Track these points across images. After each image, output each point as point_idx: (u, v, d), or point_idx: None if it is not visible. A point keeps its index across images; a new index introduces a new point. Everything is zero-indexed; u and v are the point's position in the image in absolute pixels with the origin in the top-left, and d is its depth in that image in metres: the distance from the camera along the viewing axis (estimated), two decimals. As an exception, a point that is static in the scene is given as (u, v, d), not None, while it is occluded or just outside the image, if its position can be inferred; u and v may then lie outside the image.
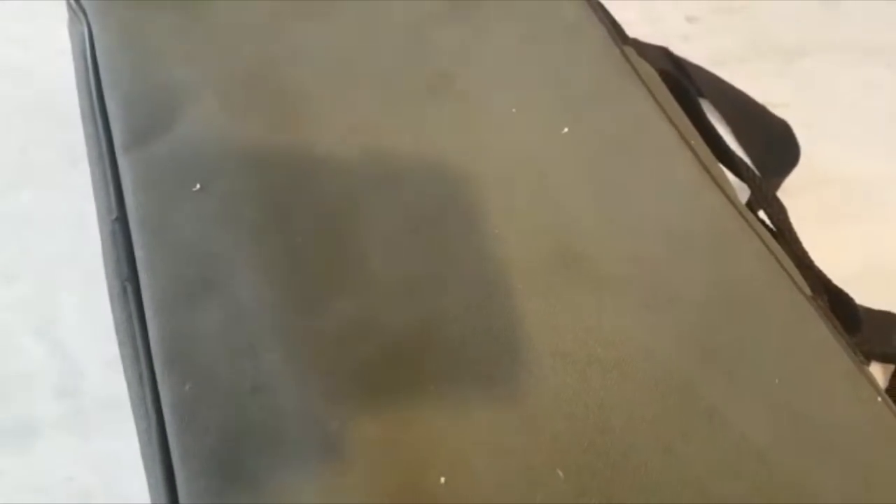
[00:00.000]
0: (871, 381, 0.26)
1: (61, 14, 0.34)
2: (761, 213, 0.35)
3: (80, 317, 0.34)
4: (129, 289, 0.24)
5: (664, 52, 0.48)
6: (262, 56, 0.31)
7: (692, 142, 0.32)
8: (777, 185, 0.41)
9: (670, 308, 0.26)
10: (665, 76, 0.36)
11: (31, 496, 0.30)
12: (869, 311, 0.35)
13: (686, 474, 0.23)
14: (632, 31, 0.49)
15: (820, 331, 0.26)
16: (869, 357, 0.34)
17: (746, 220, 0.29)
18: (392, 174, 0.29)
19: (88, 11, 0.32)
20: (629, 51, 0.36)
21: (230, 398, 0.22)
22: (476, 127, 0.31)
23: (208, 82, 0.30)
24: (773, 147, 0.43)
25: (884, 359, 0.35)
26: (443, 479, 0.22)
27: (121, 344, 0.24)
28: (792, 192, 0.41)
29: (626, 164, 0.30)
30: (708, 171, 0.31)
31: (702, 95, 0.46)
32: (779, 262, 0.28)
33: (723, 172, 0.33)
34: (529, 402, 0.23)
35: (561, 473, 0.22)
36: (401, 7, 0.35)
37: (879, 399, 0.25)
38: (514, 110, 0.32)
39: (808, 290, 0.28)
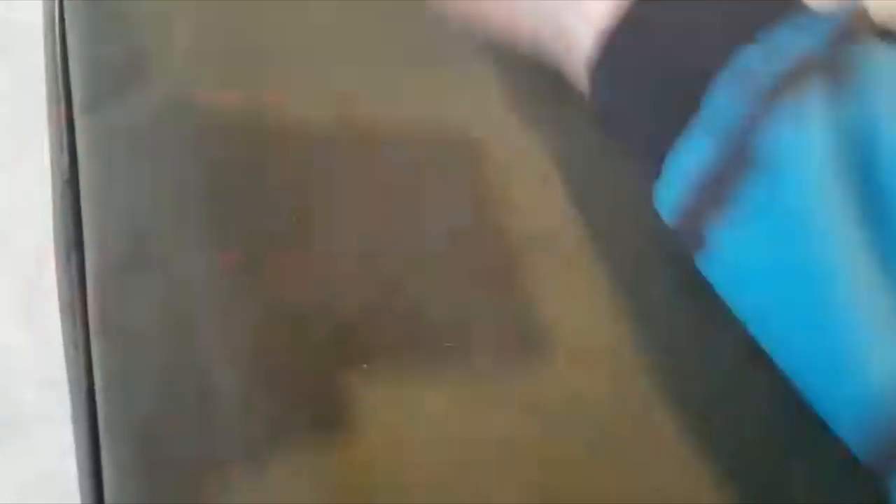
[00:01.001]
0: None
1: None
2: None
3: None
4: (74, 255, 0.24)
5: None
6: (232, 22, 0.30)
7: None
8: None
9: None
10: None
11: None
12: None
13: None
14: None
15: None
16: None
17: None
18: (364, 148, 0.28)
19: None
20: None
21: (161, 372, 0.21)
22: (452, 100, 0.30)
23: (175, 48, 0.29)
24: None
25: None
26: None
27: (61, 309, 0.24)
28: None
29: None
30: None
31: None
32: None
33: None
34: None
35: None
36: None
37: None
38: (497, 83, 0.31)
39: None
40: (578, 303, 0.25)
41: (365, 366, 0.23)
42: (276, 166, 0.26)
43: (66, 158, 0.26)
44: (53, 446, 0.29)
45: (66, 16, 0.29)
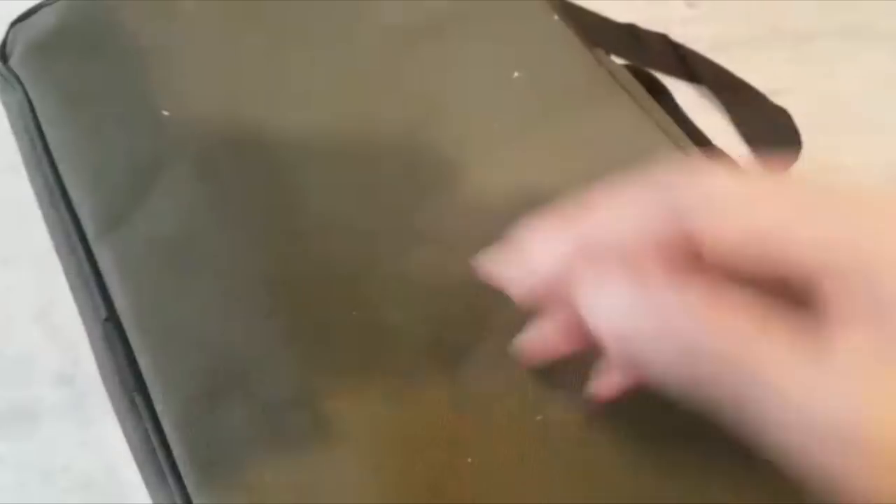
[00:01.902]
0: None
1: None
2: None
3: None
4: (140, 401, 0.22)
5: (663, 39, 0.47)
6: (230, 103, 0.29)
7: (681, 143, 0.32)
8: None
9: None
10: (635, 73, 0.35)
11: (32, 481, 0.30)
12: None
13: None
14: (630, 15, 0.48)
15: None
16: None
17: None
18: (388, 213, 0.27)
19: (21, 76, 0.28)
20: (599, 53, 0.35)
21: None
22: (461, 145, 0.29)
23: (174, 145, 0.27)
24: (772, 136, 0.43)
25: None
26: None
27: (140, 464, 0.22)
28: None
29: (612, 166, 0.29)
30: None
31: (700, 82, 0.46)
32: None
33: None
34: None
35: None
36: (374, 29, 0.33)
37: None
38: (495, 125, 0.30)
39: None
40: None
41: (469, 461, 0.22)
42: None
43: (97, 294, 0.24)
44: (71, 440, 0.30)
45: (50, 143, 0.26)
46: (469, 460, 0.21)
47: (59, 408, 0.32)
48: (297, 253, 0.25)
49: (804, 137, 0.45)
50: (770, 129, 0.45)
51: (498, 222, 0.27)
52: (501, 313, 0.24)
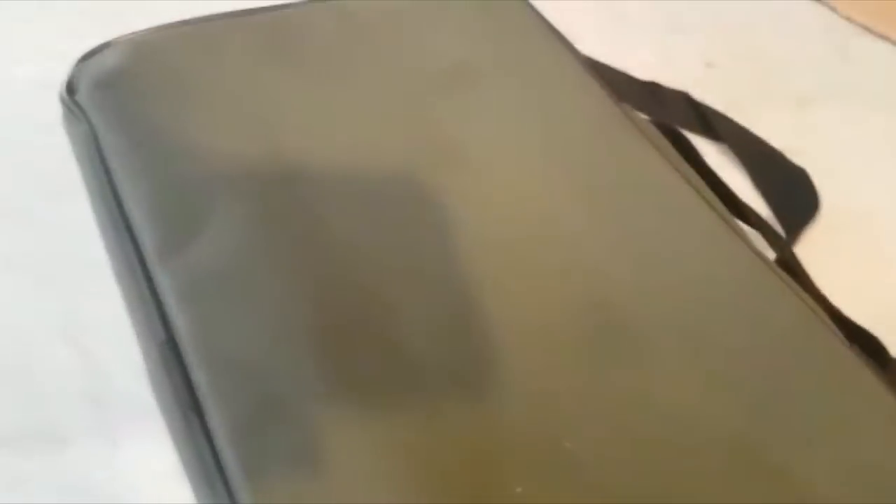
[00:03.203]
0: None
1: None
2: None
3: (108, 323, 0.32)
4: (193, 418, 0.23)
5: (684, 97, 0.49)
6: (272, 139, 0.30)
7: (704, 193, 0.33)
8: (798, 233, 0.42)
9: (716, 368, 0.27)
10: (662, 129, 0.37)
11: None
12: None
13: None
14: (650, 74, 0.50)
15: (865, 377, 0.27)
16: None
17: (770, 268, 0.30)
18: (418, 252, 0.28)
19: (87, 110, 0.30)
20: (626, 108, 0.36)
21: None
22: (489, 196, 0.31)
23: (226, 180, 0.29)
24: (792, 195, 0.44)
25: None
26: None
27: (191, 476, 0.23)
28: (811, 238, 0.43)
29: (648, 222, 0.31)
30: (727, 222, 0.32)
31: (721, 140, 0.47)
32: (814, 312, 0.29)
33: (737, 222, 0.34)
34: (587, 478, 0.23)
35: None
36: (402, 74, 0.35)
37: None
38: (528, 176, 0.32)
39: (842, 337, 0.29)
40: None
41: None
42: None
43: (156, 316, 0.25)
44: (110, 462, 0.31)
45: (110, 162, 0.28)
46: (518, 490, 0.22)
47: (87, 428, 0.32)
48: (337, 287, 0.26)
49: (826, 194, 0.47)
50: (789, 189, 0.46)
51: (523, 263, 0.29)
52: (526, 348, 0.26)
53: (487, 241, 0.29)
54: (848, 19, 0.58)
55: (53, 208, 0.39)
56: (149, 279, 0.26)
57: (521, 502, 0.22)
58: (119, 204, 0.28)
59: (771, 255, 0.35)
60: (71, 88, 0.31)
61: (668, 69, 0.53)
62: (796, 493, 0.24)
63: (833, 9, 0.58)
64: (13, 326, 0.36)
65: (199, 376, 0.24)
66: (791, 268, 0.35)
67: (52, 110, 0.35)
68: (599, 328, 0.27)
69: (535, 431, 0.24)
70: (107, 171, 0.28)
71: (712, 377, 0.27)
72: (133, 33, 0.34)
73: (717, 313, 0.28)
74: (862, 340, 0.32)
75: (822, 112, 0.53)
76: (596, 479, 0.23)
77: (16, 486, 0.31)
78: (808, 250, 0.38)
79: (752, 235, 0.36)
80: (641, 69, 0.50)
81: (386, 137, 0.32)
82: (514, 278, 0.28)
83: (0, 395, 0.33)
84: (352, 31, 0.36)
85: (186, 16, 0.36)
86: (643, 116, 0.38)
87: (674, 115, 0.51)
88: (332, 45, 0.35)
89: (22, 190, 0.42)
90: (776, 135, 0.49)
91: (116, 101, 0.30)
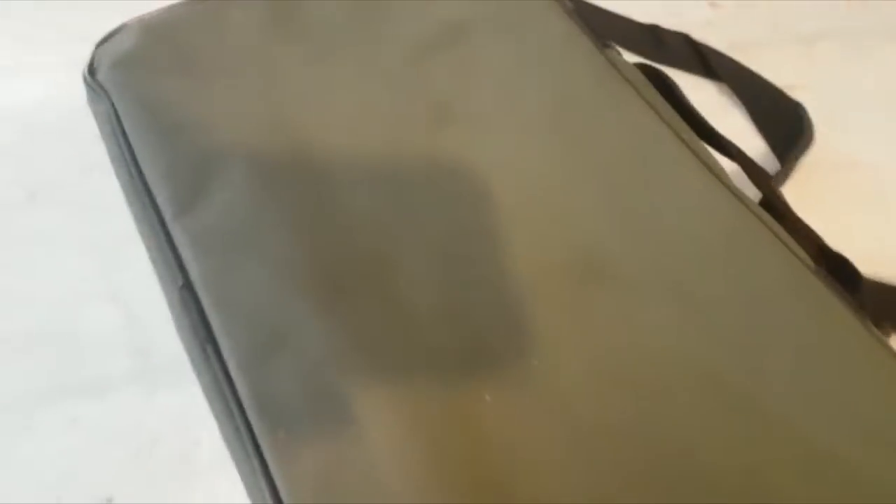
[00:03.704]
0: (881, 341, 0.29)
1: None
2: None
3: (145, 285, 0.36)
4: (210, 349, 0.26)
5: (685, 38, 0.50)
6: (276, 109, 0.33)
7: (684, 136, 0.35)
8: (792, 167, 0.43)
9: (692, 307, 0.29)
10: (646, 71, 0.39)
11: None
12: (889, 285, 0.37)
13: (731, 459, 0.25)
14: (655, 14, 0.51)
15: (832, 304, 0.29)
16: (886, 328, 0.37)
17: (747, 206, 0.32)
18: (415, 209, 0.31)
19: (108, 88, 0.33)
20: (612, 54, 0.38)
21: (319, 438, 0.24)
22: (483, 154, 0.33)
23: (233, 146, 0.32)
24: (787, 129, 0.46)
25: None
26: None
27: (210, 401, 0.26)
28: (805, 174, 0.45)
29: (633, 172, 0.33)
30: (707, 165, 0.34)
31: (720, 79, 0.49)
32: (782, 241, 0.31)
33: (710, 153, 0.35)
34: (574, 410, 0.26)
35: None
36: (396, 41, 0.37)
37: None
38: (516, 132, 0.34)
39: (811, 264, 0.31)
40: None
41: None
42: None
43: (174, 265, 0.28)
44: (150, 404, 0.36)
45: (130, 135, 0.31)
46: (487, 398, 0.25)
47: (130, 377, 0.37)
48: (331, 240, 0.29)
49: (825, 132, 0.48)
50: (785, 123, 0.48)
51: (507, 213, 0.31)
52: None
53: (479, 195, 0.32)
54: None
55: (89, 183, 0.43)
56: (167, 234, 0.29)
57: (489, 408, 0.25)
58: (139, 171, 0.31)
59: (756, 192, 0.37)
60: (92, 70, 0.34)
61: (673, 10, 0.54)
62: (763, 419, 0.26)
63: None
64: (62, 291, 0.41)
65: (212, 314, 0.27)
66: (773, 204, 0.37)
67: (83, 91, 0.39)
68: (584, 271, 0.30)
69: (509, 350, 0.27)
70: (127, 143, 0.32)
71: (687, 313, 0.29)
72: (146, 14, 0.37)
73: (696, 254, 0.30)
74: (836, 265, 0.33)
75: (828, 49, 0.53)
76: (561, 394, 0.26)
77: (72, 426, 0.36)
78: (802, 184, 0.40)
79: (739, 174, 0.38)
80: (646, 11, 0.51)
81: (384, 101, 0.35)
82: (505, 228, 0.31)
83: (54, 351, 0.39)
84: (350, 2, 0.39)
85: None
86: (642, 60, 0.39)
87: (675, 57, 0.52)
88: (333, 16, 0.38)
89: (60, 168, 0.47)
90: (779, 73, 0.50)
91: (132, 79, 0.33)
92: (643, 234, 0.30)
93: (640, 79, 0.37)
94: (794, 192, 0.44)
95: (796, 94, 0.49)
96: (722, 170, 0.34)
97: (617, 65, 0.37)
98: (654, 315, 0.28)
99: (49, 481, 0.35)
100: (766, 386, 0.27)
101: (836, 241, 0.40)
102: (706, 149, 0.35)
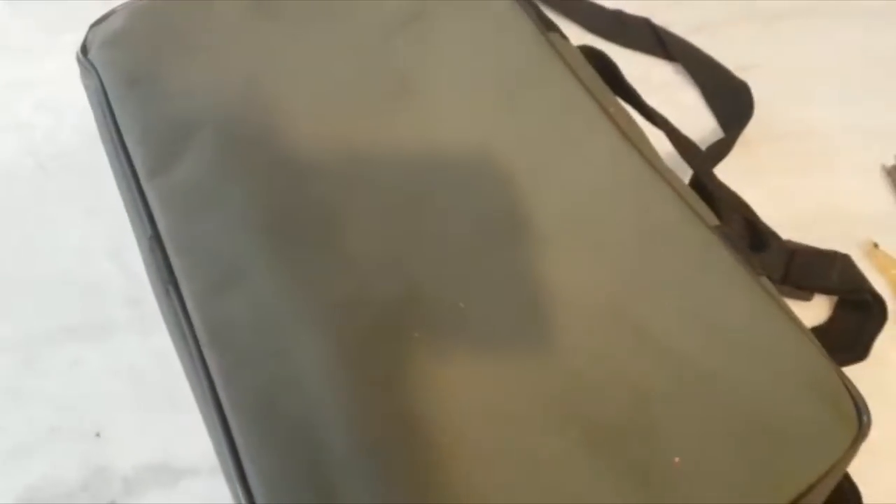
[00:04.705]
0: (769, 290, 0.32)
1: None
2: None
3: None
4: (171, 290, 0.31)
5: (646, 23, 0.55)
6: (248, 80, 0.37)
7: (611, 109, 0.39)
8: (733, 138, 0.47)
9: (599, 251, 0.33)
10: (587, 53, 0.42)
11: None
12: (812, 248, 0.41)
13: (619, 376, 0.29)
14: None
15: (719, 252, 0.33)
16: (808, 289, 0.41)
17: (656, 169, 0.36)
18: (368, 171, 0.35)
19: (97, 66, 0.38)
20: (554, 37, 0.42)
21: (261, 363, 0.29)
22: (432, 121, 0.37)
23: (205, 114, 0.36)
24: (732, 106, 0.50)
25: (825, 291, 0.42)
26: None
27: (171, 332, 0.31)
28: (752, 144, 0.49)
29: (555, 137, 0.37)
30: (624, 133, 0.37)
31: (676, 60, 0.53)
32: (684, 201, 0.35)
33: (641, 131, 0.39)
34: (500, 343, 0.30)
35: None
36: (362, 21, 0.41)
37: (771, 301, 0.32)
38: (461, 103, 0.38)
39: (713, 221, 0.35)
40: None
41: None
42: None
43: (145, 219, 0.33)
44: (143, 346, 0.42)
45: (116, 115, 0.36)
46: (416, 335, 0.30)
47: (127, 322, 0.43)
48: (286, 192, 0.33)
49: (775, 107, 0.51)
50: (731, 100, 0.51)
51: (446, 174, 0.35)
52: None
53: (424, 157, 0.36)
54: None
55: (97, 155, 0.48)
56: (141, 192, 0.34)
57: (416, 344, 0.29)
58: (120, 138, 0.35)
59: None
60: (84, 49, 0.39)
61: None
62: (652, 343, 0.30)
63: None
64: (70, 246, 0.47)
65: (175, 260, 0.32)
66: (700, 179, 0.41)
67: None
68: (506, 225, 0.34)
69: (440, 295, 0.31)
70: (111, 113, 0.36)
71: (592, 258, 0.33)
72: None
73: (600, 205, 0.34)
74: (746, 225, 0.37)
75: (783, 29, 0.56)
76: (480, 330, 0.30)
77: (78, 365, 0.42)
78: (753, 154, 0.44)
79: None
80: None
81: (347, 75, 0.39)
82: (443, 186, 0.35)
83: (64, 298, 0.45)
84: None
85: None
86: (571, 44, 0.43)
87: (637, 40, 0.56)
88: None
89: (73, 141, 0.52)
90: (737, 53, 0.54)
91: (118, 57, 0.38)
92: (556, 189, 0.34)
93: (579, 58, 0.41)
94: (746, 164, 0.48)
95: (753, 72, 0.52)
96: (643, 138, 0.38)
97: (556, 45, 0.41)
98: (565, 262, 0.32)
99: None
100: (654, 314, 0.31)
101: (779, 207, 0.43)
102: (632, 121, 0.39)
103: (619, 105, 0.40)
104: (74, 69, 0.46)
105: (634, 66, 0.46)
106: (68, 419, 0.40)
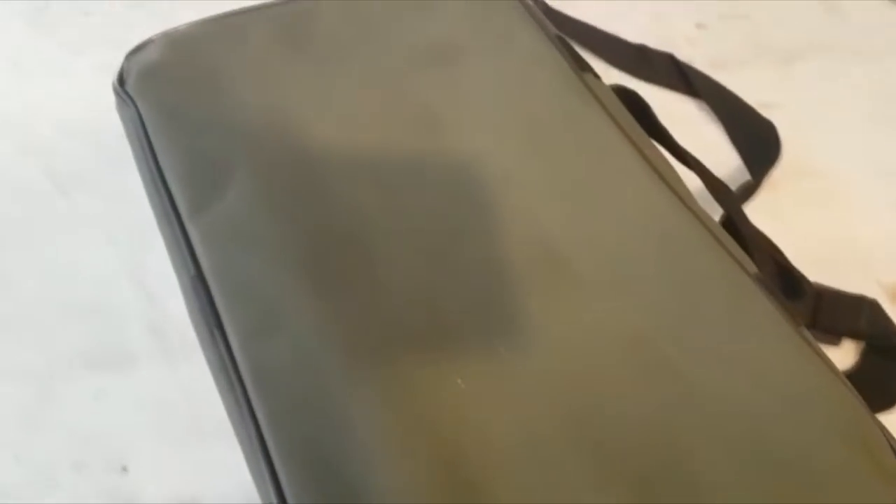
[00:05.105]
0: (808, 339, 0.33)
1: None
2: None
3: (164, 270, 0.40)
4: (217, 332, 0.31)
5: (670, 58, 0.55)
6: (282, 114, 0.37)
7: (647, 151, 0.39)
8: (760, 179, 0.48)
9: (639, 297, 0.33)
10: (620, 93, 0.43)
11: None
12: (841, 293, 0.42)
13: (647, 412, 0.29)
14: (644, 34, 0.56)
15: (760, 302, 0.33)
16: (836, 333, 0.41)
17: (694, 213, 0.36)
18: (400, 201, 0.35)
19: (135, 97, 0.38)
20: (589, 77, 0.42)
21: (308, 410, 0.29)
22: (464, 158, 0.37)
23: (243, 148, 0.36)
24: (758, 145, 0.50)
25: (853, 336, 0.42)
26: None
27: (215, 376, 0.31)
28: (779, 185, 0.49)
29: (592, 180, 0.37)
30: (662, 176, 0.37)
31: (699, 97, 0.53)
32: (724, 247, 0.35)
33: (677, 174, 0.39)
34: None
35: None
36: (394, 55, 0.41)
37: (810, 350, 0.32)
38: (494, 141, 0.38)
39: (751, 268, 0.35)
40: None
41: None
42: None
43: (188, 257, 0.33)
44: (168, 377, 0.41)
45: (153, 140, 0.36)
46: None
47: (150, 352, 0.42)
48: (321, 229, 0.34)
49: (796, 146, 0.52)
50: (757, 139, 0.52)
51: (481, 211, 0.35)
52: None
53: (459, 193, 0.36)
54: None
55: (118, 178, 0.48)
56: (182, 229, 0.34)
57: (463, 392, 0.29)
58: (161, 173, 0.35)
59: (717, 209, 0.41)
60: (122, 79, 0.39)
61: (661, 31, 0.58)
62: (682, 381, 0.30)
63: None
64: (91, 273, 0.46)
65: (219, 301, 0.31)
66: (730, 213, 0.41)
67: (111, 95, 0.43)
68: (543, 267, 0.34)
69: (479, 337, 0.31)
70: (150, 147, 0.36)
71: (633, 304, 0.33)
72: (171, 29, 0.41)
73: (636, 251, 0.34)
74: (781, 271, 0.37)
75: (804, 68, 0.57)
76: (521, 375, 0.30)
77: (100, 396, 0.41)
78: (775, 194, 0.45)
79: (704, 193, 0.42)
80: (636, 31, 0.55)
81: (377, 108, 0.39)
82: (479, 224, 0.35)
83: (84, 327, 0.44)
84: (355, 18, 0.43)
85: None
86: (605, 83, 0.43)
87: (660, 75, 0.56)
88: (339, 31, 0.42)
89: (93, 163, 0.51)
90: (758, 91, 0.54)
91: (156, 89, 0.38)
92: (593, 233, 0.34)
93: (613, 99, 0.41)
94: (769, 202, 0.49)
95: (774, 111, 0.53)
96: (678, 180, 0.38)
97: (590, 86, 0.41)
98: (600, 306, 0.32)
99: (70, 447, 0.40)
100: (686, 357, 0.31)
101: (801, 245, 0.44)
102: (667, 162, 0.39)
103: (654, 147, 0.40)
104: (95, 90, 0.46)
105: (653, 100, 0.46)
106: (93, 453, 0.40)
